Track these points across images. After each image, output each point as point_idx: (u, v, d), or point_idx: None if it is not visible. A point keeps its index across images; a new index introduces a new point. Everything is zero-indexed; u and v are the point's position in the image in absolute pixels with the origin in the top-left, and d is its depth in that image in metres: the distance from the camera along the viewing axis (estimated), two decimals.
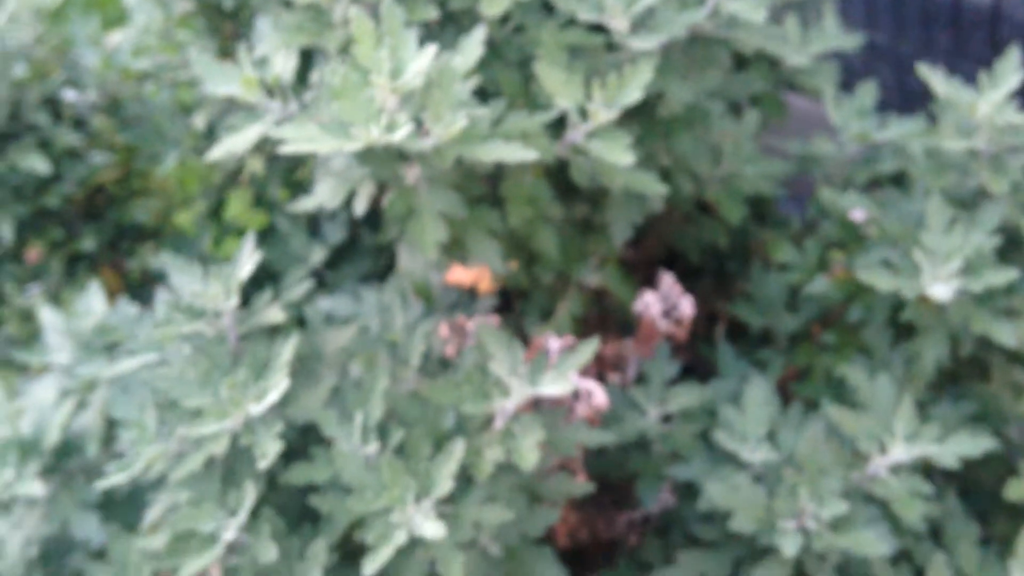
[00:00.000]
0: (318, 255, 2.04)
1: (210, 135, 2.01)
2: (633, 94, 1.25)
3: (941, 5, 3.02)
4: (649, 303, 1.56)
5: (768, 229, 1.91)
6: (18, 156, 2.00)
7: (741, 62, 1.90)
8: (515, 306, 1.84)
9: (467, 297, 1.84)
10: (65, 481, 1.60)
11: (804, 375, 1.63)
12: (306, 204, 1.33)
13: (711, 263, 2.02)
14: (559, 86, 1.26)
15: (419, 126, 1.16)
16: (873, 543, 1.27)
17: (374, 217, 1.73)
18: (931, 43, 2.96)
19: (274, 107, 1.31)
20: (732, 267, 1.99)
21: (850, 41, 1.90)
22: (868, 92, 1.81)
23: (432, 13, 1.24)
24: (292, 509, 1.25)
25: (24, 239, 2.15)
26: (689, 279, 2.02)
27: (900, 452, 1.31)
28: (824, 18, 1.97)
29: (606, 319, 1.89)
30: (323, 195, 1.29)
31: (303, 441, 1.29)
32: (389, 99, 1.13)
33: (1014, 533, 1.39)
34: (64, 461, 1.61)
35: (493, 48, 1.35)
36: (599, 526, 1.62)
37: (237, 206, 2.32)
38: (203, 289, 1.29)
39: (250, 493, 1.21)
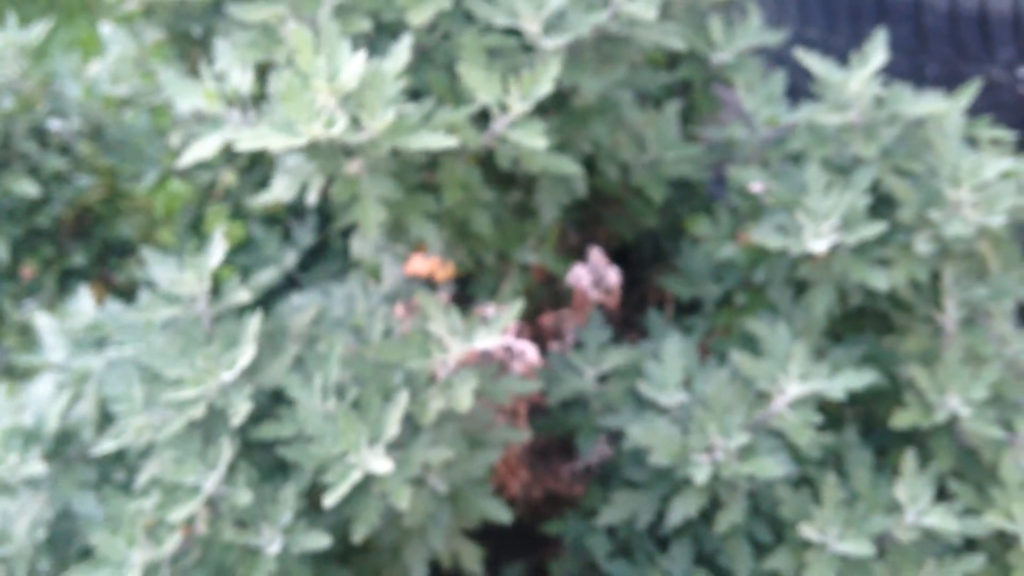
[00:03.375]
0: (290, 258, 2.21)
1: (185, 152, 2.19)
2: (544, 87, 1.44)
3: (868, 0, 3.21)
4: (580, 275, 1.75)
5: (696, 210, 2.10)
6: (10, 182, 2.16)
7: (674, 60, 2.10)
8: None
9: (426, 287, 2.02)
10: (65, 465, 1.76)
11: (725, 335, 1.82)
12: (266, 198, 1.52)
13: (650, 246, 2.21)
14: (480, 83, 1.45)
15: (357, 122, 1.35)
16: (772, 467, 1.45)
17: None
18: (860, 36, 3.15)
19: (234, 116, 1.50)
20: (668, 247, 2.18)
21: (772, 37, 2.09)
22: (777, 81, 2.00)
23: (365, 25, 1.44)
24: (264, 462, 1.44)
25: (19, 258, 2.31)
26: (636, 264, 2.22)
27: (795, 389, 1.50)
28: (748, 16, 2.15)
29: (557, 301, 2.08)
30: (279, 189, 1.48)
31: (271, 404, 1.47)
32: (328, 100, 1.33)
33: None
34: (63, 447, 1.77)
35: (424, 54, 1.55)
36: (548, 480, 1.80)
37: (215, 220, 2.50)
38: (179, 277, 1.48)
39: (226, 449, 1.39)
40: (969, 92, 1.71)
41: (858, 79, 1.55)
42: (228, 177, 2.24)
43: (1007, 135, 1.71)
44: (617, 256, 2.09)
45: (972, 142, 1.71)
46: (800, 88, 2.62)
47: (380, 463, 1.30)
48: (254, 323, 1.44)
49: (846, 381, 1.50)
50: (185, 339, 1.45)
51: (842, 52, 2.87)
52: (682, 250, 1.99)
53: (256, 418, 1.44)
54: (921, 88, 1.89)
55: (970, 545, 1.55)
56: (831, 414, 1.66)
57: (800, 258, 1.57)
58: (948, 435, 1.57)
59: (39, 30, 2.20)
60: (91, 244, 2.36)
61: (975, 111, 1.88)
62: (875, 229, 1.49)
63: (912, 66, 3.15)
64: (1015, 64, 3.00)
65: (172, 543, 1.39)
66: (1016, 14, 3.02)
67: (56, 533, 1.73)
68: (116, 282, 2.42)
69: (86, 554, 1.70)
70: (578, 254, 2.09)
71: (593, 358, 1.73)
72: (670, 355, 1.60)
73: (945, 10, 3.16)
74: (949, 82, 3.00)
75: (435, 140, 1.36)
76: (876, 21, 3.21)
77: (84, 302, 1.89)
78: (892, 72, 2.21)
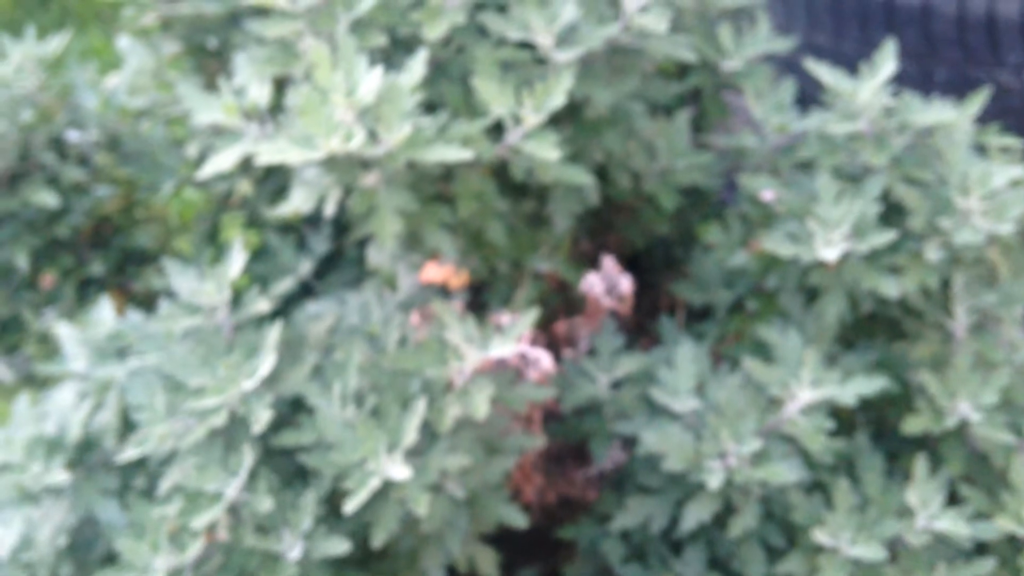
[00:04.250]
0: (306, 266, 2.23)
1: (202, 163, 2.22)
2: (557, 99, 1.47)
3: (876, 5, 3.22)
4: (593, 283, 1.77)
5: (708, 217, 2.12)
6: (30, 193, 2.19)
7: (684, 67, 2.12)
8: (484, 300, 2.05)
9: (440, 294, 2.05)
10: (87, 473, 1.79)
11: (737, 341, 1.84)
12: (284, 209, 1.55)
13: (661, 252, 2.23)
14: (494, 96, 1.48)
15: (374, 136, 1.38)
16: (784, 472, 1.47)
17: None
18: (869, 41, 3.17)
19: (253, 129, 1.53)
20: (679, 254, 2.20)
21: (782, 44, 2.10)
22: (787, 88, 2.02)
23: (381, 40, 1.47)
24: (285, 469, 1.46)
25: (38, 267, 2.33)
26: (647, 270, 2.24)
27: (807, 395, 1.52)
28: (758, 24, 2.17)
29: (570, 308, 2.11)
30: (297, 201, 1.51)
31: (291, 412, 1.50)
32: (346, 114, 1.35)
33: None
34: (86, 455, 1.79)
35: (439, 67, 1.58)
36: (562, 486, 1.82)
37: (231, 229, 2.52)
38: (199, 287, 1.51)
39: (248, 456, 1.42)
40: (978, 100, 1.73)
41: (868, 89, 1.57)
42: (244, 186, 2.27)
43: (1016, 142, 1.73)
44: (628, 262, 2.11)
45: (981, 149, 1.73)
46: (810, 94, 2.64)
47: (399, 470, 1.33)
48: (274, 333, 1.47)
49: (857, 387, 1.52)
50: (206, 348, 1.48)
51: (851, 58, 2.89)
52: (694, 257, 2.01)
53: (276, 426, 1.46)
54: (929, 93, 1.91)
55: (981, 549, 1.57)
56: (842, 419, 1.68)
57: (811, 266, 1.59)
58: (958, 440, 1.59)
59: (57, 42, 2.23)
60: (109, 253, 2.38)
61: (984, 116, 1.89)
62: (886, 237, 1.51)
63: (920, 71, 3.17)
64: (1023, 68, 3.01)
65: (195, 549, 1.41)
66: None
67: (78, 540, 1.76)
68: (134, 291, 2.45)
69: (108, 560, 1.73)
70: (590, 261, 2.11)
71: (606, 365, 1.75)
72: (683, 361, 1.62)
73: (953, 15, 3.17)
74: (958, 87, 3.01)
75: (451, 152, 1.38)
76: (884, 26, 3.22)
77: (105, 312, 1.91)
78: (900, 77, 2.23)
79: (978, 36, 3.16)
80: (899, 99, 1.61)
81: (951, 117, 1.59)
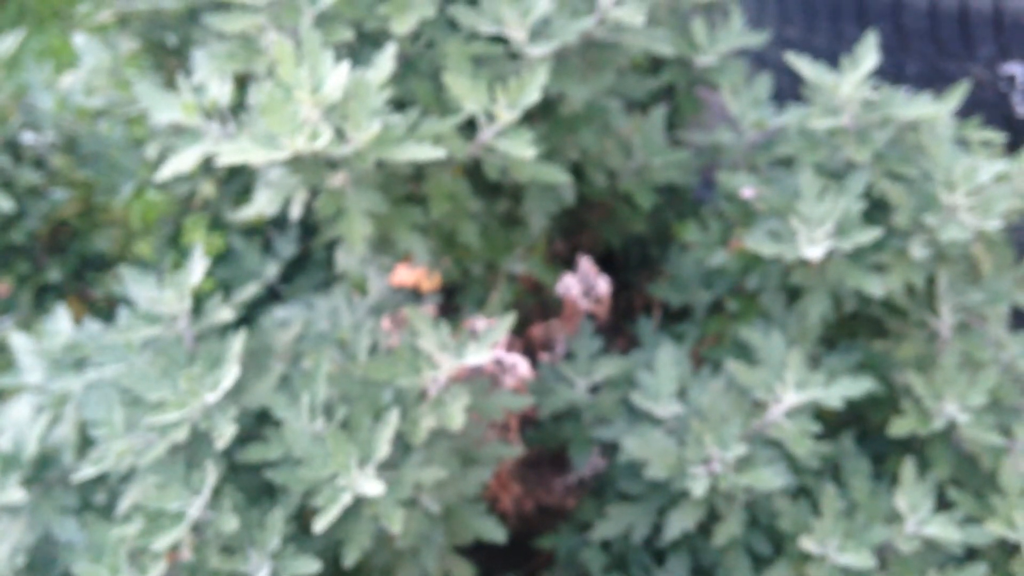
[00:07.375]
0: (272, 270, 2.17)
1: (162, 164, 2.15)
2: (532, 95, 1.41)
3: None
4: (570, 285, 1.71)
5: (684, 215, 2.08)
6: None
7: (657, 63, 2.07)
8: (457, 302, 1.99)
9: (412, 298, 1.99)
10: (45, 490, 1.71)
11: (717, 342, 1.79)
12: (247, 212, 1.49)
13: (637, 251, 2.18)
14: (466, 92, 1.42)
15: (341, 134, 1.32)
16: (770, 478, 1.43)
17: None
18: (840, 35, 3.14)
19: (213, 128, 1.46)
20: (655, 253, 2.16)
21: (755, 38, 2.07)
22: (763, 84, 1.98)
23: (347, 34, 1.40)
24: (251, 486, 1.40)
25: None
26: (623, 269, 2.19)
27: (792, 398, 1.47)
28: (731, 18, 2.13)
29: (546, 310, 2.05)
30: (261, 203, 1.44)
31: (258, 425, 1.43)
32: (311, 112, 1.29)
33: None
34: (43, 471, 1.72)
35: (408, 62, 1.52)
36: (540, 493, 1.77)
37: (194, 232, 2.45)
38: (159, 296, 1.44)
39: (211, 473, 1.35)
40: (958, 94, 1.70)
41: (850, 82, 1.53)
42: (207, 188, 2.20)
43: (997, 136, 1.70)
44: (602, 261, 2.06)
45: (962, 144, 1.70)
46: (782, 89, 2.60)
47: (371, 485, 1.26)
48: (238, 342, 1.40)
49: (843, 389, 1.48)
50: (166, 360, 1.41)
51: (822, 52, 2.85)
52: (670, 256, 1.97)
53: (241, 440, 1.40)
54: (901, 87, 1.87)
55: (971, 554, 1.53)
56: (825, 421, 1.64)
57: (794, 264, 1.55)
58: (946, 442, 1.55)
59: (11, 41, 2.15)
60: (67, 259, 2.32)
61: (956, 110, 1.86)
62: (870, 235, 1.47)
63: (893, 65, 3.15)
64: (996, 61, 2.99)
65: (156, 571, 1.34)
66: (996, 11, 3.02)
67: (37, 559, 1.69)
68: (94, 297, 2.37)
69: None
70: (565, 261, 2.06)
71: (584, 369, 1.70)
72: (663, 365, 1.57)
73: (925, 8, 3.15)
74: (930, 80, 2.99)
75: (422, 151, 1.32)
76: (856, 20, 3.20)
77: (61, 321, 1.84)
78: (872, 71, 2.21)
79: (950, 29, 3.14)
80: (880, 93, 1.57)
81: (934, 111, 1.54)
